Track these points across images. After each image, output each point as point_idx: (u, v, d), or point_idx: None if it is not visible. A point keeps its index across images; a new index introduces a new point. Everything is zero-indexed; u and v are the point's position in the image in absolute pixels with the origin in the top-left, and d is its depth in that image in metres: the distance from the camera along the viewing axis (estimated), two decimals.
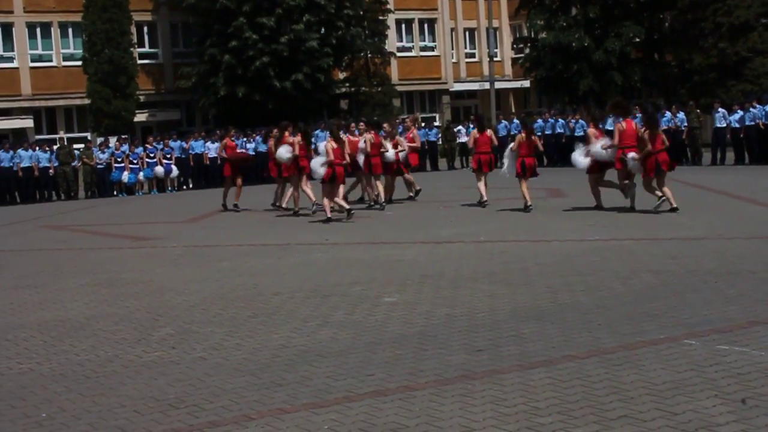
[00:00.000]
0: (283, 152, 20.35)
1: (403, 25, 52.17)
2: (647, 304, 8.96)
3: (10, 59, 42.67)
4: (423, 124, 36.86)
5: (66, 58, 43.60)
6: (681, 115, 30.50)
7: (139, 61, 42.88)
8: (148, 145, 33.55)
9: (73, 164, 32.53)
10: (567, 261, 11.93)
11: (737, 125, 29.10)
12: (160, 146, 33.47)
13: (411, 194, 22.66)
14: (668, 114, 30.72)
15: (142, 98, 42.88)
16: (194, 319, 9.64)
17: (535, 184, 22.60)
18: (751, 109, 28.66)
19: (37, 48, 43.31)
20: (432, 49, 53.21)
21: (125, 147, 33.23)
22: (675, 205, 16.58)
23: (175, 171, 33.33)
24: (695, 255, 11.79)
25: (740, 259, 11.25)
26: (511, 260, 12.27)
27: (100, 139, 36.25)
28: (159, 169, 32.94)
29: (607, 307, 8.98)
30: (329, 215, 18.65)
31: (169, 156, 33.29)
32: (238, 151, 24.34)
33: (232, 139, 24.14)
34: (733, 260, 11.22)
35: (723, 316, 8.33)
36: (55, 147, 32.82)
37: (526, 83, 53.19)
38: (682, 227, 14.72)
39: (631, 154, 17.02)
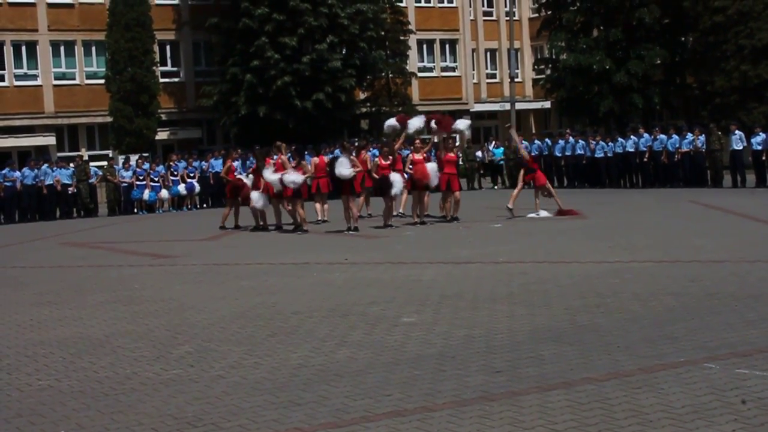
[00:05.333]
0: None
1: (425, 46, 52.30)
2: (667, 327, 8.92)
3: (34, 77, 42.97)
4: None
5: (89, 76, 43.87)
6: (702, 137, 30.43)
7: (161, 80, 43.07)
8: (171, 163, 33.79)
9: (90, 181, 32.72)
10: (586, 282, 11.89)
11: (759, 147, 29.02)
12: (184, 164, 33.71)
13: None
14: (690, 136, 30.67)
15: (163, 116, 43.07)
16: (213, 337, 9.65)
17: (553, 204, 22.61)
18: None
19: (60, 66, 43.58)
20: (453, 69, 53.30)
21: (146, 165, 33.44)
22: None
23: (197, 188, 33.55)
24: (715, 278, 11.73)
25: (761, 283, 11.19)
26: (530, 281, 12.25)
27: (121, 158, 36.43)
28: (182, 188, 33.13)
29: (627, 329, 8.95)
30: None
31: (192, 175, 33.51)
32: (237, 176, 24.20)
33: (235, 162, 24.36)
34: (754, 283, 11.16)
35: (743, 339, 8.28)
36: (71, 164, 32.99)
37: (547, 104, 53.20)
38: (703, 250, 14.66)
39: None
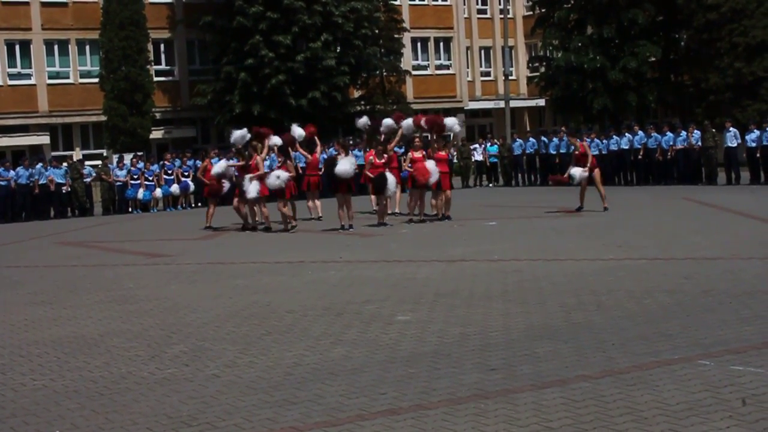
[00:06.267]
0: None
1: (419, 44, 52.29)
2: (661, 324, 8.93)
3: (28, 76, 42.93)
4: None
5: (83, 75, 43.83)
6: (696, 134, 30.48)
7: (156, 79, 43.05)
8: (166, 162, 33.76)
9: (85, 180, 32.68)
10: (581, 280, 11.90)
11: (753, 144, 29.06)
12: (178, 163, 33.67)
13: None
14: (684, 133, 30.72)
15: (158, 115, 43.04)
16: (208, 336, 9.65)
17: (549, 202, 22.62)
18: (767, 129, 28.64)
19: (54, 65, 43.54)
20: (447, 67, 53.31)
21: (141, 164, 33.40)
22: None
23: (191, 187, 33.51)
24: (710, 275, 11.74)
25: (755, 280, 11.20)
26: (524, 279, 12.25)
27: (116, 156, 36.41)
28: (175, 188, 33.09)
29: (621, 326, 8.95)
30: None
31: (186, 174, 33.47)
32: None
33: (212, 162, 24.50)
34: (748, 280, 11.17)
35: (738, 336, 8.29)
36: (64, 164, 32.98)
37: (542, 102, 53.21)
38: (697, 247, 14.67)
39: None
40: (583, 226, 19.23)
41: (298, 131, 23.10)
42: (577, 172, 22.21)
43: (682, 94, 45.10)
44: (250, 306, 11.33)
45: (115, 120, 40.13)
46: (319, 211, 23.62)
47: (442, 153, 21.91)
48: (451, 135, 24.20)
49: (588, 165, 22.27)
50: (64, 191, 32.12)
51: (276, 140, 22.48)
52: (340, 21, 41.50)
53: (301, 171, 23.29)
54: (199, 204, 34.07)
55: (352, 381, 7.48)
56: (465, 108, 53.00)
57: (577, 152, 22.76)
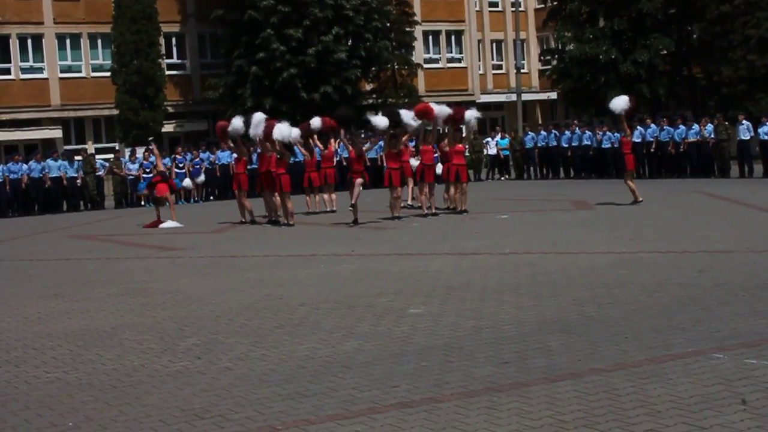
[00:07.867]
0: None
1: (431, 37, 52.20)
2: (674, 318, 8.90)
3: (40, 70, 42.99)
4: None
5: (95, 69, 43.88)
6: (709, 127, 30.40)
7: (167, 72, 43.10)
8: (177, 156, 33.81)
9: (98, 174, 32.79)
10: (593, 273, 11.87)
11: (766, 137, 28.95)
12: (190, 157, 33.72)
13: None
14: (696, 126, 30.64)
15: (170, 109, 43.10)
16: (220, 329, 9.66)
17: (561, 195, 22.55)
18: None
19: (66, 59, 43.61)
20: (459, 60, 53.22)
21: (153, 158, 33.43)
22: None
23: (202, 177, 33.50)
24: (723, 268, 11.71)
25: None
26: (537, 272, 12.23)
27: (128, 150, 36.47)
28: (187, 182, 33.09)
29: (634, 320, 8.93)
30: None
31: (198, 167, 33.53)
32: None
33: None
34: (761, 274, 11.13)
35: (751, 329, 8.26)
36: (76, 158, 33.07)
37: (553, 95, 53.04)
38: (710, 240, 14.63)
39: None
40: (595, 218, 19.20)
41: (315, 122, 23.24)
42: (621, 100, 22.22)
43: (694, 86, 44.93)
44: (263, 299, 11.34)
45: (127, 114, 40.21)
46: (334, 204, 23.68)
47: (460, 146, 21.93)
48: (464, 128, 24.10)
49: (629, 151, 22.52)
50: (78, 184, 32.24)
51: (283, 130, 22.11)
52: (351, 14, 41.46)
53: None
54: (211, 197, 34.16)
55: (364, 374, 7.47)
56: (477, 101, 52.86)
57: (626, 137, 22.64)
